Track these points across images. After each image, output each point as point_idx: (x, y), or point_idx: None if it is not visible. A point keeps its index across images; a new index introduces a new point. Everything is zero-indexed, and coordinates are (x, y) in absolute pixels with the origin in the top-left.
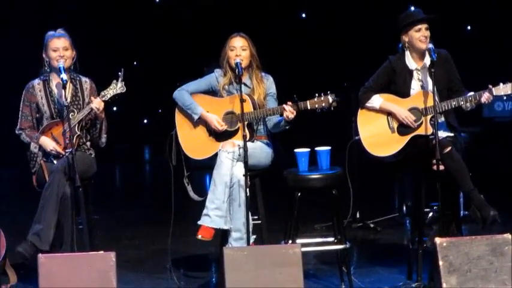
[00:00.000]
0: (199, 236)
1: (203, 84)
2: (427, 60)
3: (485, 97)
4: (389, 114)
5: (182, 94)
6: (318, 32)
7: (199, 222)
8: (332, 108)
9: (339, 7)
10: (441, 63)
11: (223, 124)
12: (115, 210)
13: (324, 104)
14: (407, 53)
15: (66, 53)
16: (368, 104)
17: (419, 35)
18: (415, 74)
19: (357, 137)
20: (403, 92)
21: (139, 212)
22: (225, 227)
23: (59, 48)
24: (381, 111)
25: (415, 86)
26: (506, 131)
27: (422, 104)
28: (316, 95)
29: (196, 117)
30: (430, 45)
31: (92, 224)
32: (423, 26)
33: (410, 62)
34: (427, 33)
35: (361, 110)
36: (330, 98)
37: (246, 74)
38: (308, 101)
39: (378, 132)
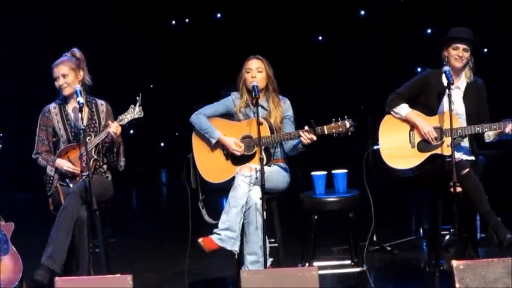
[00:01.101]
0: (200, 240)
1: (220, 107)
2: (462, 83)
3: (509, 128)
4: (412, 128)
5: (199, 118)
6: (334, 55)
7: (210, 236)
8: (349, 133)
9: (356, 30)
10: (476, 90)
11: (241, 146)
12: (132, 233)
13: (341, 129)
14: (444, 69)
15: (67, 79)
16: (395, 110)
17: (455, 53)
18: (447, 92)
19: (375, 147)
20: (432, 106)
21: (156, 234)
22: (229, 248)
23: (58, 77)
24: (405, 121)
25: (445, 103)
26: None
27: (447, 125)
28: (333, 120)
29: (214, 141)
30: (447, 68)
31: (108, 247)
32: (461, 46)
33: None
34: (465, 54)
35: (386, 117)
36: (347, 123)
37: (262, 96)
38: (325, 126)
39: (397, 145)
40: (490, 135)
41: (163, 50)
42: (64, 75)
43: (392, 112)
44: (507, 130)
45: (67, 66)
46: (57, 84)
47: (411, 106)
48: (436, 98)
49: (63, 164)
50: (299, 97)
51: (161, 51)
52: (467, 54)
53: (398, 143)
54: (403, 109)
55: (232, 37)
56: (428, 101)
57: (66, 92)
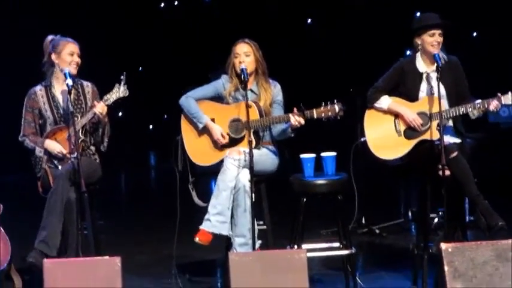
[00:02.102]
0: (197, 239)
1: (210, 90)
2: (435, 65)
3: (493, 105)
4: (396, 116)
5: (188, 101)
6: (323, 38)
7: (200, 227)
8: (338, 118)
9: (345, 13)
10: (451, 69)
11: (226, 137)
12: (120, 215)
13: (330, 113)
14: (418, 55)
15: (79, 59)
16: (376, 105)
17: (432, 39)
18: (424, 77)
19: (362, 139)
20: (411, 94)
21: (145, 217)
22: (225, 233)
23: (75, 53)
24: (388, 112)
25: (424, 89)
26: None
27: (430, 109)
28: (323, 103)
29: (201, 126)
30: (436, 52)
31: (97, 229)
32: (437, 32)
33: (421, 65)
34: (440, 39)
35: (369, 111)
36: (337, 107)
37: (252, 80)
38: (315, 110)
39: (384, 135)
40: (474, 112)
41: (152, 33)
42: (79, 55)
43: (373, 107)
44: (491, 108)
45: (78, 48)
46: (70, 59)
47: (392, 94)
48: (414, 85)
49: (54, 146)
50: (289, 81)
51: (150, 34)
52: (441, 39)
53: (384, 132)
54: (384, 101)
55: (221, 20)
56: (407, 89)
57: (75, 70)
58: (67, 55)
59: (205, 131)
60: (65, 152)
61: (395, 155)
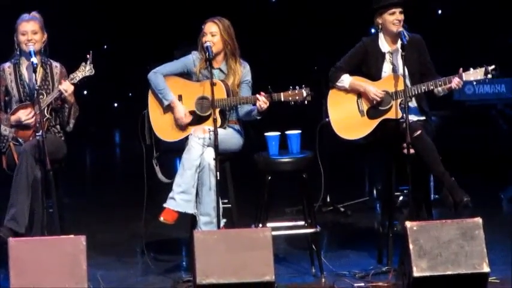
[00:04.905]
0: (162, 219)
1: (179, 66)
2: (400, 43)
3: (455, 82)
4: (359, 96)
5: (157, 77)
6: (288, 16)
7: (164, 205)
8: (306, 102)
9: None
10: (414, 47)
11: (189, 117)
12: (86, 193)
13: (297, 97)
14: (380, 35)
15: (35, 36)
16: (338, 84)
17: (393, 18)
18: (387, 56)
19: (327, 119)
20: (374, 74)
21: (111, 195)
22: (190, 212)
23: (28, 31)
24: (351, 91)
25: (387, 69)
26: (476, 114)
27: (393, 88)
28: (291, 87)
29: (166, 103)
30: (401, 29)
31: (62, 207)
32: (397, 10)
33: (383, 44)
34: (401, 16)
35: (332, 91)
36: (304, 92)
37: (221, 60)
38: (282, 93)
39: (347, 115)
40: (439, 90)
41: (117, 9)
42: (34, 32)
43: (335, 86)
44: (453, 85)
45: (38, 24)
46: (24, 38)
47: (354, 74)
48: (376, 64)
49: (20, 116)
50: (256, 61)
51: (115, 10)
52: (402, 16)
53: (347, 112)
54: (345, 80)
55: None
56: (369, 69)
57: (35, 48)
58: (20, 35)
59: (170, 108)
60: (30, 116)
61: (358, 135)
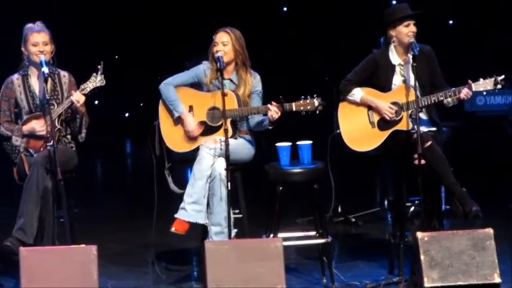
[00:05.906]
0: (173, 229)
1: (190, 77)
2: (411, 54)
3: (464, 93)
4: (369, 108)
5: (168, 88)
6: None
7: (175, 215)
8: (317, 112)
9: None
10: (424, 58)
11: (199, 130)
12: (96, 203)
13: (309, 107)
14: (391, 47)
15: (46, 47)
16: (349, 97)
17: (408, 30)
18: (397, 69)
19: (338, 131)
20: (384, 86)
21: (121, 205)
22: (201, 222)
23: (39, 42)
24: (361, 104)
25: (397, 81)
26: (487, 125)
27: (403, 99)
28: (302, 97)
29: (176, 114)
30: (412, 40)
31: (73, 217)
32: (412, 22)
33: (394, 56)
34: (415, 28)
35: (342, 103)
36: (316, 102)
37: (232, 70)
38: (294, 103)
39: (358, 127)
40: (449, 101)
41: (128, 20)
42: (45, 43)
43: (346, 99)
44: (462, 95)
45: (48, 36)
46: (35, 49)
47: (364, 85)
48: (387, 76)
49: (34, 126)
50: (266, 71)
51: (126, 21)
52: (416, 28)
53: (358, 124)
54: (357, 94)
55: (199, 7)
56: (379, 80)
57: (47, 58)
58: (31, 46)
59: (180, 119)
60: (45, 128)
61: (369, 147)
